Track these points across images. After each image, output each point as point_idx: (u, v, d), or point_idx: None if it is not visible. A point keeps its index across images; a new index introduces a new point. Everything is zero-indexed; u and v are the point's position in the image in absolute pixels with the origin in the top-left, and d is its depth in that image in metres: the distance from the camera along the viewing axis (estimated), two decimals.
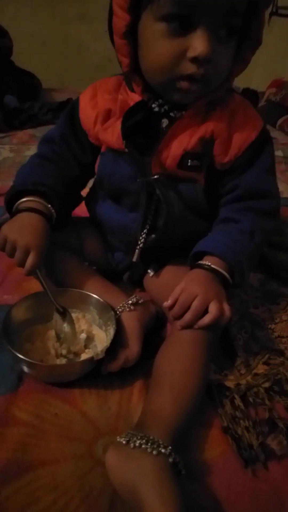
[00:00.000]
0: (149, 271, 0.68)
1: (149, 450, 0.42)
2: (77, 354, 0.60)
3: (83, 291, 0.64)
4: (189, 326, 0.52)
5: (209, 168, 0.58)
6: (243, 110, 0.58)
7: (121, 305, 0.64)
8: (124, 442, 0.44)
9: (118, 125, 0.55)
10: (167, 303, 0.54)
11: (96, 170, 0.64)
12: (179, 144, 0.55)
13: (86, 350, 0.61)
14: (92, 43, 2.58)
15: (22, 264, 0.55)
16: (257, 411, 0.55)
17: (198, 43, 0.46)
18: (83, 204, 0.73)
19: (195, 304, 0.52)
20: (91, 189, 0.72)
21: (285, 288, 0.74)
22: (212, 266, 0.55)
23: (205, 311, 0.52)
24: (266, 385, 0.57)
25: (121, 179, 0.60)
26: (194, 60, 0.47)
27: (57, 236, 0.63)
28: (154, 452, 0.42)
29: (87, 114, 0.60)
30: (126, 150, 0.56)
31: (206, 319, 0.51)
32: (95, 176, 0.66)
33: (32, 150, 1.53)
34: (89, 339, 0.63)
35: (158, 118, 0.55)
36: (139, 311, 0.64)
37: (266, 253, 0.81)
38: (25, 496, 0.44)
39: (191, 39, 0.46)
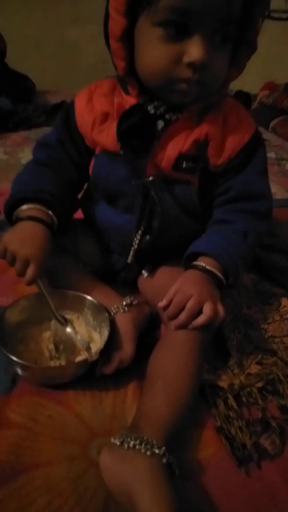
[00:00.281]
0: (143, 272, 0.68)
1: (143, 450, 0.42)
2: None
3: (77, 293, 0.64)
4: (183, 326, 0.53)
5: (203, 170, 0.59)
6: (236, 113, 0.59)
7: (115, 306, 0.64)
8: (118, 443, 0.44)
9: (113, 127, 0.55)
10: (161, 303, 0.54)
11: (90, 171, 0.64)
12: (175, 146, 0.56)
13: (81, 352, 0.61)
14: (86, 45, 2.58)
15: (21, 275, 0.54)
16: (250, 411, 0.55)
17: (193, 49, 0.46)
18: None
19: (189, 304, 0.52)
20: (85, 190, 0.72)
21: (277, 289, 0.75)
22: (207, 267, 0.55)
23: (200, 312, 0.52)
24: (259, 385, 0.58)
25: (116, 181, 0.60)
26: (190, 65, 0.47)
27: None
28: (148, 453, 0.42)
29: (84, 118, 0.60)
30: (121, 152, 0.56)
31: (200, 319, 0.52)
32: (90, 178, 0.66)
33: (26, 152, 1.52)
34: (83, 341, 0.63)
35: (153, 120, 0.55)
36: (133, 313, 0.64)
37: (259, 254, 0.81)
38: (19, 498, 0.44)
39: (187, 45, 0.47)
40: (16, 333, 0.61)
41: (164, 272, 0.66)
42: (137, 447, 0.43)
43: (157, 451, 0.42)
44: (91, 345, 0.62)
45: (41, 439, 0.50)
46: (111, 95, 0.59)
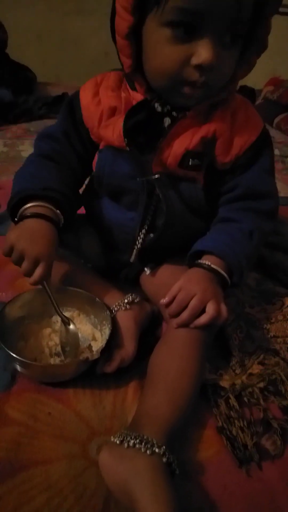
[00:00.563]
0: (145, 269, 0.67)
1: (143, 450, 0.42)
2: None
3: (79, 290, 0.64)
4: (185, 325, 0.52)
5: (209, 167, 0.58)
6: (245, 110, 0.58)
7: (116, 303, 0.63)
8: (118, 442, 0.44)
9: (119, 122, 0.54)
10: (164, 301, 0.54)
11: (94, 167, 0.62)
12: (181, 143, 0.55)
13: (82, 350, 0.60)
14: (88, 37, 2.56)
15: (29, 274, 0.52)
16: (251, 411, 0.55)
17: (202, 51, 0.45)
18: None
19: (193, 303, 0.51)
20: (87, 186, 0.70)
21: (280, 288, 0.74)
22: (212, 265, 0.55)
23: (202, 311, 0.52)
24: (261, 385, 0.57)
25: (120, 177, 0.59)
26: (198, 67, 0.46)
27: None
28: (148, 452, 0.42)
29: (91, 112, 0.59)
30: (127, 148, 0.55)
31: (203, 319, 0.51)
32: (92, 173, 0.65)
33: (26, 145, 1.51)
34: (85, 339, 0.62)
35: (160, 117, 0.54)
36: (134, 310, 0.63)
37: (263, 253, 0.81)
38: (19, 495, 0.44)
39: (196, 46, 0.46)
40: (16, 329, 0.61)
41: (166, 270, 0.66)
42: (137, 446, 0.42)
43: (157, 450, 0.42)
44: (92, 343, 0.61)
45: (41, 437, 0.50)
46: (118, 90, 0.58)
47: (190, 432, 0.52)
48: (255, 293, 0.73)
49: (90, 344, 0.61)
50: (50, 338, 0.61)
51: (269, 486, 0.47)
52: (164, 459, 0.42)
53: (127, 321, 0.61)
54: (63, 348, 0.59)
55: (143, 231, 0.62)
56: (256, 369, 0.59)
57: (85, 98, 0.60)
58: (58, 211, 0.56)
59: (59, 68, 2.60)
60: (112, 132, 0.56)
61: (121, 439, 0.44)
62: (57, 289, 0.63)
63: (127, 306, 0.63)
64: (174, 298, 0.53)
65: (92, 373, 0.57)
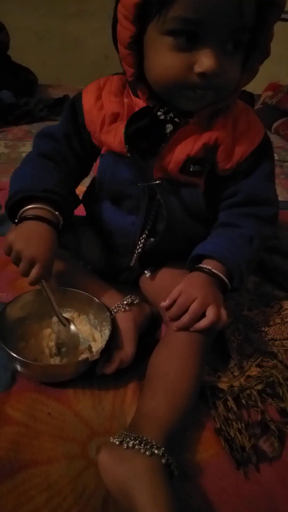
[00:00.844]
0: (145, 272, 0.68)
1: (142, 451, 0.42)
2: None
3: (79, 291, 0.64)
4: (185, 328, 0.53)
5: (210, 173, 0.58)
6: (246, 116, 0.58)
7: (116, 305, 0.63)
8: (117, 442, 0.44)
9: (121, 128, 0.54)
10: (164, 304, 0.54)
11: (96, 171, 0.63)
12: (183, 149, 0.55)
13: (82, 352, 0.61)
14: (89, 40, 2.56)
15: (26, 274, 0.53)
16: (249, 413, 0.55)
17: (205, 59, 0.46)
18: None
19: (193, 306, 0.52)
20: (89, 189, 0.71)
21: (279, 292, 0.75)
22: (212, 270, 0.55)
23: (202, 314, 0.52)
24: (259, 387, 0.58)
25: (121, 182, 0.60)
26: (201, 74, 0.47)
27: None
28: (147, 453, 0.42)
29: (93, 116, 0.59)
30: (128, 154, 0.55)
31: (203, 323, 0.52)
32: (95, 176, 0.65)
33: (27, 146, 1.52)
34: (84, 339, 0.63)
35: (162, 124, 0.54)
36: (134, 312, 0.64)
37: (262, 256, 0.81)
38: (18, 495, 0.44)
39: (198, 54, 0.46)
40: (17, 330, 0.61)
41: (166, 273, 0.66)
42: (136, 447, 0.42)
43: (156, 451, 0.42)
44: (92, 344, 0.62)
45: (41, 437, 0.50)
46: (121, 95, 0.58)
47: (188, 434, 0.52)
48: (253, 296, 0.73)
49: (89, 345, 0.62)
50: (51, 338, 0.61)
51: (267, 488, 0.47)
52: (163, 461, 0.42)
53: (126, 322, 0.62)
54: (59, 349, 0.59)
55: (144, 235, 0.63)
56: (254, 371, 0.60)
57: (88, 101, 0.60)
58: (57, 212, 0.57)
59: (60, 70, 2.60)
60: (113, 138, 0.56)
61: (121, 440, 0.44)
62: (57, 290, 0.63)
63: (127, 307, 0.63)
64: (174, 301, 0.54)
65: (91, 374, 0.57)
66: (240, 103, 0.59)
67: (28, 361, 0.54)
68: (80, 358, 0.58)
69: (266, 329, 0.67)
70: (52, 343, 0.60)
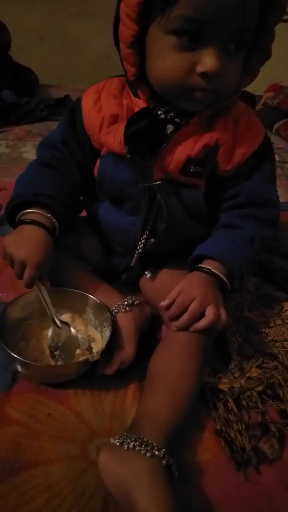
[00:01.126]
0: (146, 272, 0.68)
1: (143, 452, 0.42)
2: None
3: (80, 291, 0.64)
4: (185, 328, 0.53)
5: (210, 174, 0.58)
6: (247, 118, 0.58)
7: (116, 305, 0.63)
8: (118, 443, 0.44)
9: (121, 129, 0.54)
10: (163, 303, 0.55)
11: (95, 172, 0.63)
12: (183, 150, 0.55)
13: (78, 354, 0.61)
14: (90, 40, 2.56)
15: (20, 277, 0.55)
16: (250, 415, 0.55)
17: (207, 59, 0.46)
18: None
19: (192, 306, 0.52)
20: (89, 189, 0.71)
21: (279, 293, 0.75)
22: (212, 270, 0.55)
23: (202, 315, 0.52)
24: (259, 388, 0.58)
25: (121, 183, 0.60)
26: (203, 75, 0.47)
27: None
28: (148, 454, 0.42)
29: (92, 118, 0.59)
30: (128, 155, 0.55)
31: (202, 323, 0.52)
32: (94, 178, 0.65)
33: (28, 146, 1.52)
34: (84, 340, 0.63)
35: (162, 124, 0.55)
36: (134, 312, 0.64)
37: (262, 257, 0.81)
38: (18, 495, 0.44)
39: (200, 54, 0.46)
40: (17, 330, 0.61)
41: (166, 274, 0.66)
42: (137, 448, 0.42)
43: (157, 452, 0.42)
44: (93, 344, 0.62)
45: (41, 437, 0.50)
46: (120, 96, 0.58)
47: (188, 435, 0.52)
48: (254, 297, 0.73)
49: (90, 346, 0.62)
50: (48, 339, 0.61)
51: (267, 489, 0.47)
52: (164, 462, 0.42)
53: (127, 323, 0.62)
54: (52, 352, 0.59)
55: (144, 236, 0.63)
56: (254, 372, 0.60)
57: (87, 105, 0.60)
58: (49, 215, 0.57)
59: (61, 70, 2.60)
60: (113, 139, 0.56)
61: (121, 441, 0.44)
62: (58, 291, 0.63)
63: (127, 308, 0.63)
64: (174, 301, 0.54)
65: (92, 375, 0.57)
66: (241, 104, 0.59)
67: (28, 361, 0.54)
68: (80, 359, 0.58)
69: (267, 330, 0.67)
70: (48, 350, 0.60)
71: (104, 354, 0.56)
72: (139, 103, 0.55)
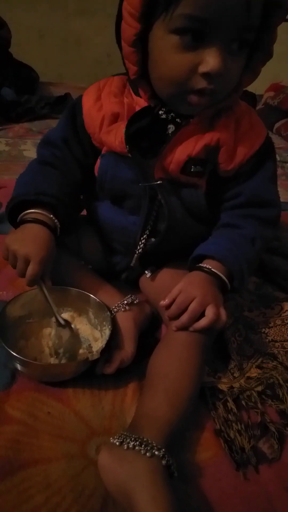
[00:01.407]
0: (146, 272, 0.68)
1: (142, 452, 0.42)
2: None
3: (80, 290, 0.64)
4: (184, 327, 0.53)
5: (211, 174, 0.58)
6: (249, 117, 0.58)
7: (116, 304, 0.63)
8: (117, 443, 0.44)
9: (122, 128, 0.54)
10: (163, 302, 0.54)
11: (96, 171, 0.63)
12: (184, 150, 0.55)
13: (81, 351, 0.61)
14: (91, 38, 2.56)
15: (22, 274, 0.54)
16: (249, 415, 0.55)
17: (210, 58, 0.45)
18: None
19: (192, 306, 0.52)
20: (89, 189, 0.71)
21: (279, 293, 0.75)
22: (213, 269, 0.55)
23: (202, 314, 0.52)
24: (259, 388, 0.58)
25: (122, 182, 0.60)
26: (206, 75, 0.46)
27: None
28: (148, 454, 0.42)
29: (92, 117, 0.59)
30: (129, 154, 0.55)
31: (202, 322, 0.52)
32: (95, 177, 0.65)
33: (28, 144, 1.51)
34: (85, 339, 0.62)
35: (163, 123, 0.54)
36: (134, 311, 0.64)
37: (263, 257, 0.81)
38: (17, 494, 0.44)
39: (203, 54, 0.46)
40: (17, 328, 0.61)
41: (166, 273, 0.66)
42: (136, 448, 0.42)
43: (156, 452, 0.42)
44: (92, 343, 0.62)
45: (40, 436, 0.50)
46: (121, 95, 0.58)
47: (188, 435, 0.52)
48: (254, 297, 0.73)
49: (90, 345, 0.62)
50: (51, 338, 0.61)
51: (266, 489, 0.47)
52: (164, 462, 0.42)
53: (126, 322, 0.62)
54: (56, 351, 0.59)
55: (145, 235, 0.63)
56: (254, 372, 0.60)
57: (87, 103, 0.60)
58: (51, 215, 0.57)
59: (62, 68, 2.60)
60: (114, 138, 0.56)
61: (121, 440, 0.44)
62: (57, 289, 0.63)
63: (127, 307, 0.63)
64: (174, 300, 0.54)
65: (91, 373, 0.57)
66: (243, 104, 0.59)
67: (28, 360, 0.54)
68: (80, 358, 0.58)
69: (267, 330, 0.67)
70: (52, 343, 0.60)
71: (103, 353, 0.56)
72: (140, 102, 0.55)
